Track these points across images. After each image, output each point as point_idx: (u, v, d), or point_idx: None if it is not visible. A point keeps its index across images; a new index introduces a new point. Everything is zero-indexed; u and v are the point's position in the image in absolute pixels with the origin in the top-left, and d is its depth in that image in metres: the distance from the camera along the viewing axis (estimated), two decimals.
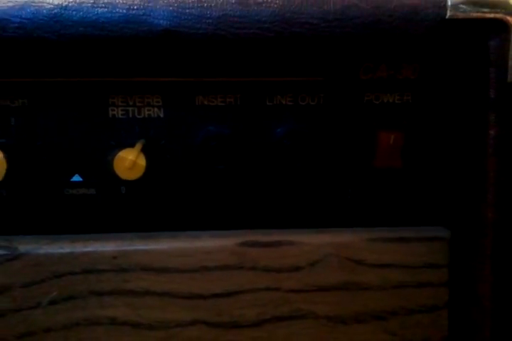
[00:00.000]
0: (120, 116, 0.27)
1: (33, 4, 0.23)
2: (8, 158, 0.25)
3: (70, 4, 0.23)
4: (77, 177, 0.27)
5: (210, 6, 0.23)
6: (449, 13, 0.23)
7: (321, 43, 0.24)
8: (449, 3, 0.23)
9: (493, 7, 0.23)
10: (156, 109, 0.27)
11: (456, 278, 0.27)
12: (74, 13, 0.23)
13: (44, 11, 0.23)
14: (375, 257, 0.27)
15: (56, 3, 0.23)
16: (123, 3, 0.23)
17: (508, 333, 0.26)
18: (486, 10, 0.23)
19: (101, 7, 0.23)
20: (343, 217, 0.28)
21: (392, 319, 0.27)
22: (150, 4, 0.23)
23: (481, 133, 0.25)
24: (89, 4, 0.23)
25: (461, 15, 0.23)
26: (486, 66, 0.24)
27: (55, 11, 0.23)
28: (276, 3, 0.23)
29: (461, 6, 0.23)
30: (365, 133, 0.27)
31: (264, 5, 0.23)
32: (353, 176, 0.28)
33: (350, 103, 0.27)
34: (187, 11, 0.23)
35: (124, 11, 0.23)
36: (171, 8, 0.23)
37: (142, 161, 0.25)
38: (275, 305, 0.27)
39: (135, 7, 0.23)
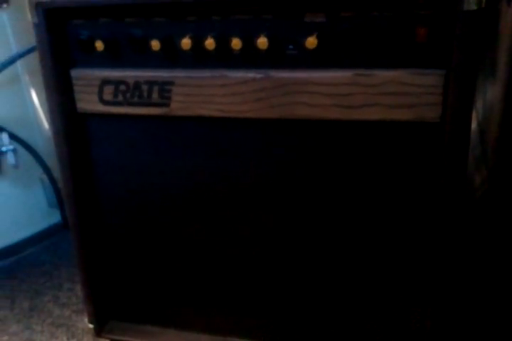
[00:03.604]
0: (307, 21, 0.66)
1: None
2: None
3: None
4: (291, 46, 0.68)
5: None
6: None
7: None
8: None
9: None
10: (320, 18, 0.65)
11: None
12: None
13: None
14: (411, 82, 0.64)
15: None
16: None
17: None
18: None
19: None
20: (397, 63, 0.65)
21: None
22: None
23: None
24: None
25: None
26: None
27: None
28: None
29: None
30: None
31: None
32: (407, 45, 0.64)
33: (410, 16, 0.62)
34: None
35: None
36: None
37: (315, 40, 0.65)
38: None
39: None
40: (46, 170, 1.41)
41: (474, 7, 0.57)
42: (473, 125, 1.15)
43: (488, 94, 0.96)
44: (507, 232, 0.89)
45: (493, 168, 0.93)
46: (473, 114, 0.95)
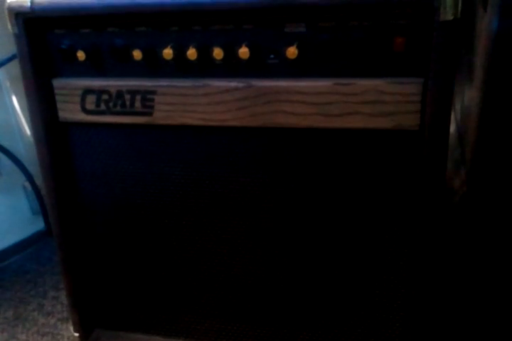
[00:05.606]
0: (287, 31, 0.67)
1: None
2: None
3: None
4: (272, 56, 0.69)
5: None
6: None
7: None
8: None
9: None
10: (300, 28, 0.66)
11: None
12: None
13: None
14: (390, 91, 0.65)
15: None
16: None
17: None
18: None
19: None
20: (376, 72, 0.66)
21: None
22: None
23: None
24: None
25: None
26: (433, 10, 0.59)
27: None
28: None
29: None
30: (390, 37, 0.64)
31: None
32: (385, 54, 0.65)
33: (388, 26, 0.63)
34: None
35: None
36: None
37: (296, 50, 0.66)
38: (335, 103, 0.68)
39: None
40: (29, 177, 1.40)
41: (450, 17, 0.58)
42: (452, 127, 1.18)
43: (466, 97, 0.98)
44: (485, 235, 0.91)
45: (471, 170, 0.95)
46: (452, 117, 0.97)
